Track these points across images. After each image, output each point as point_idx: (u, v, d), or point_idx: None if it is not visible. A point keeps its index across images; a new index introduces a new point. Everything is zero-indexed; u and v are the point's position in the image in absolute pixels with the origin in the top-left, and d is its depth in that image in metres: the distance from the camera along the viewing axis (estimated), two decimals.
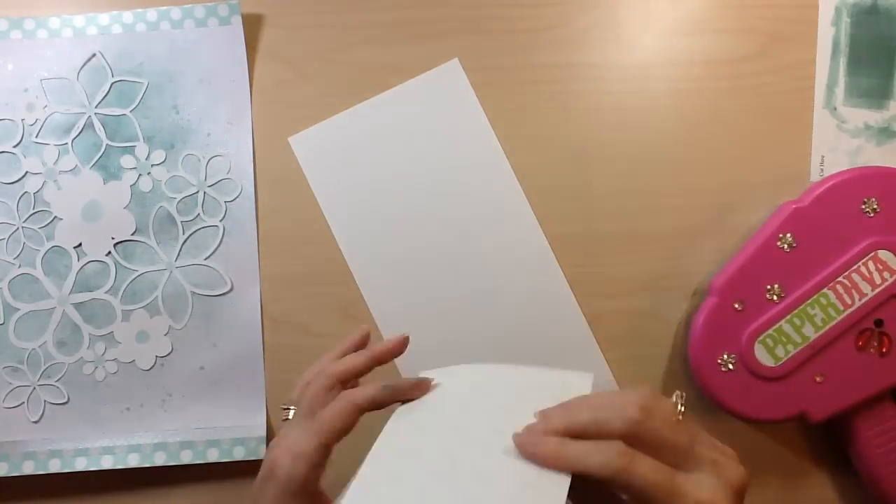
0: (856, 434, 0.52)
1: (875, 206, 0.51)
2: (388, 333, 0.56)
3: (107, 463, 0.54)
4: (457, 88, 0.56)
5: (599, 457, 0.35)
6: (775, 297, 0.51)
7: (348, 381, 0.43)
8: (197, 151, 0.56)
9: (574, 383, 0.42)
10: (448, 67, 0.56)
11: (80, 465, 0.54)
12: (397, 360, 0.56)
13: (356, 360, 0.44)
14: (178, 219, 0.56)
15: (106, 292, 0.56)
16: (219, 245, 0.56)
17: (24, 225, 0.56)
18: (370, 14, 0.58)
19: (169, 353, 0.55)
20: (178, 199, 0.56)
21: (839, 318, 0.51)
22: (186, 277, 0.56)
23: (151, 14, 0.56)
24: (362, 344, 0.47)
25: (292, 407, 0.43)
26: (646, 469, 0.35)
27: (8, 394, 0.55)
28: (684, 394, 0.39)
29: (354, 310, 0.56)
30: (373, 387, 0.41)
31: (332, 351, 0.46)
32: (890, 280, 0.51)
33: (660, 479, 0.35)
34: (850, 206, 0.52)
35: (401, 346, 0.46)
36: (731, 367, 0.51)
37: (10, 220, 0.56)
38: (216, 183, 0.56)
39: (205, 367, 0.55)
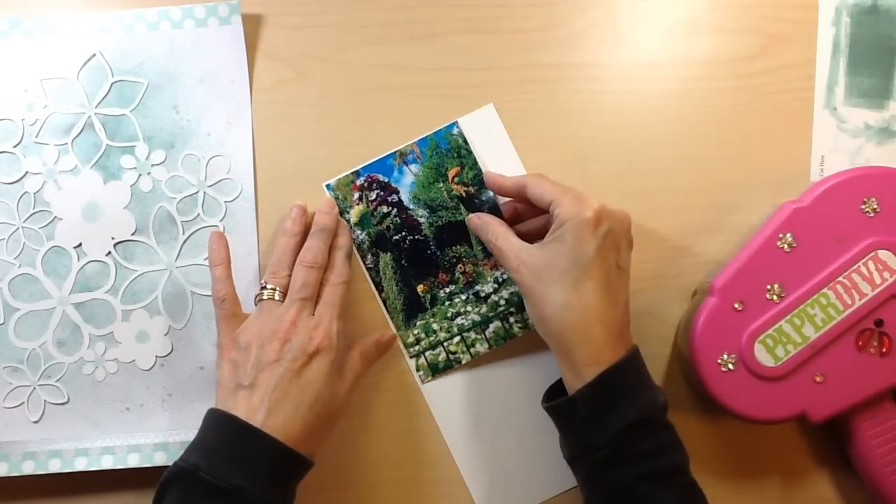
0: (856, 434, 0.52)
1: (875, 206, 0.51)
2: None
3: (107, 463, 0.54)
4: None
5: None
6: (775, 297, 0.51)
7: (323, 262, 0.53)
8: (197, 151, 0.56)
9: None
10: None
11: (80, 465, 0.54)
12: (427, 396, 0.56)
13: (318, 242, 0.53)
14: (178, 219, 0.56)
15: (106, 292, 0.56)
16: None
17: (24, 225, 0.56)
18: (370, 14, 0.58)
19: (169, 353, 0.55)
20: (178, 199, 0.56)
21: (839, 318, 0.51)
22: (186, 277, 0.56)
23: (151, 14, 0.56)
24: (301, 217, 0.54)
25: (268, 288, 0.51)
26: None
27: (8, 394, 0.55)
28: None
29: (354, 309, 0.56)
30: (344, 265, 0.53)
31: (286, 236, 0.53)
32: (890, 280, 0.51)
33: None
34: (850, 206, 0.52)
35: (329, 204, 0.55)
36: (731, 367, 0.51)
37: (10, 220, 0.56)
38: (216, 183, 0.56)
39: (205, 367, 0.55)
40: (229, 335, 0.51)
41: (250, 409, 0.47)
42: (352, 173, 0.56)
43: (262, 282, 0.52)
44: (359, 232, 0.56)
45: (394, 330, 0.56)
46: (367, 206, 0.56)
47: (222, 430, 0.47)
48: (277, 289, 0.51)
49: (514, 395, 0.56)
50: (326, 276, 0.52)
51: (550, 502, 0.56)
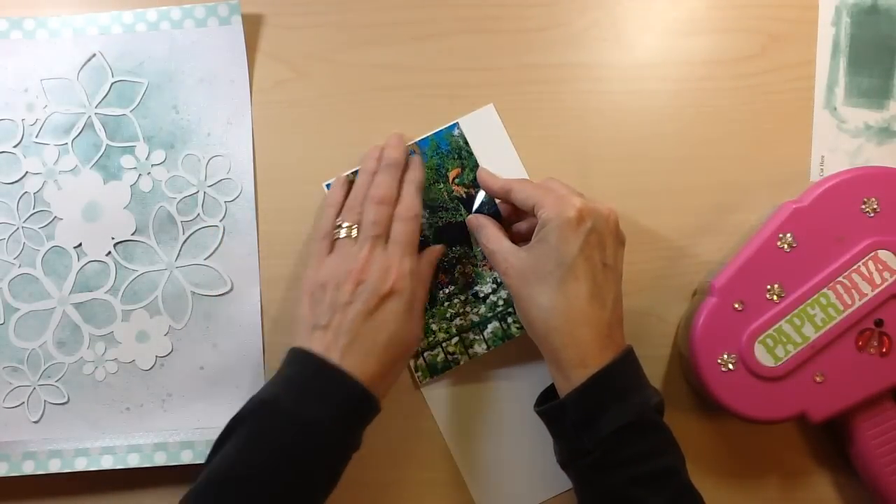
0: (856, 434, 0.52)
1: (875, 206, 0.51)
2: None
3: (107, 463, 0.54)
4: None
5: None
6: (775, 297, 0.51)
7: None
8: (197, 151, 0.56)
9: None
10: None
11: (80, 465, 0.54)
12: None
13: (386, 177, 0.52)
14: (178, 219, 0.56)
15: (106, 292, 0.56)
16: (219, 245, 0.56)
17: (24, 225, 0.56)
18: (370, 14, 0.58)
19: (169, 353, 0.55)
20: (178, 199, 0.56)
21: (839, 318, 0.51)
22: (186, 277, 0.56)
23: (151, 14, 0.56)
24: (379, 156, 0.54)
25: (343, 226, 0.51)
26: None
27: (8, 394, 0.55)
28: None
29: None
30: (414, 199, 0.52)
31: (364, 174, 0.54)
32: (890, 280, 0.51)
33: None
34: (850, 206, 0.52)
35: (398, 139, 0.54)
36: (731, 367, 0.51)
37: (10, 220, 0.56)
38: (216, 183, 0.56)
39: (205, 367, 0.55)
40: (313, 271, 0.51)
41: (325, 349, 0.48)
42: (352, 173, 0.56)
43: (339, 220, 0.52)
44: None
45: None
46: None
47: (302, 365, 0.48)
48: (354, 225, 0.51)
49: (513, 395, 0.56)
50: (396, 211, 0.52)
51: (550, 502, 0.56)
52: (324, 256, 0.52)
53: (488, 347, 0.56)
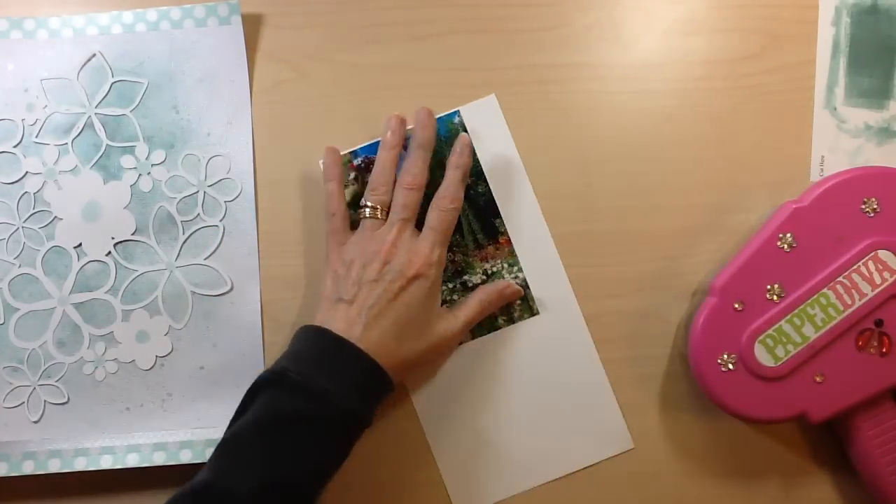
0: (856, 434, 0.52)
1: (875, 206, 0.51)
2: None
3: (106, 463, 0.54)
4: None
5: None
6: (775, 297, 0.51)
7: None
8: (197, 151, 0.56)
9: None
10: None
11: (80, 465, 0.54)
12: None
13: (417, 161, 0.53)
14: (178, 219, 0.56)
15: (106, 292, 0.56)
16: (219, 245, 0.56)
17: (24, 225, 0.56)
18: (370, 14, 0.58)
19: (169, 353, 0.55)
20: (178, 199, 0.56)
21: (839, 318, 0.51)
22: (186, 277, 0.56)
23: (151, 14, 0.56)
24: (401, 129, 0.54)
25: (368, 206, 0.52)
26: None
27: (8, 394, 0.55)
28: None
29: None
30: (459, 188, 0.53)
31: (384, 149, 0.53)
32: (890, 280, 0.51)
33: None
34: (850, 206, 0.52)
35: (429, 117, 0.54)
36: (731, 367, 0.51)
37: (10, 220, 0.56)
38: (216, 183, 0.56)
39: (205, 367, 0.55)
40: (336, 249, 0.53)
41: (348, 322, 0.49)
42: (349, 153, 0.56)
43: (364, 200, 0.53)
44: (351, 212, 0.56)
45: None
46: (362, 187, 0.56)
47: (313, 340, 0.49)
48: (379, 207, 0.52)
49: (495, 386, 0.56)
50: (438, 198, 0.53)
51: (527, 493, 0.55)
52: (342, 235, 0.53)
53: (473, 337, 0.56)
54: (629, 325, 0.56)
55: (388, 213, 0.53)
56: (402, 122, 0.54)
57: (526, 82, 0.57)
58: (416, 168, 0.53)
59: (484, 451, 0.55)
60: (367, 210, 0.52)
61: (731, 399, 0.51)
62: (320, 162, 0.56)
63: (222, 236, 0.56)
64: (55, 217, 0.56)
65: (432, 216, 0.52)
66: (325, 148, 0.55)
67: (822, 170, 0.57)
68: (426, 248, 0.51)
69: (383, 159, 0.54)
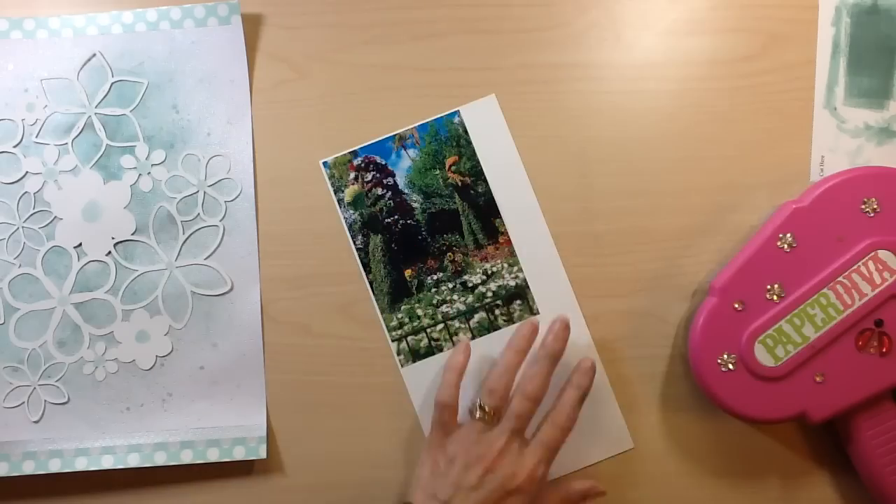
0: (856, 434, 0.52)
1: (875, 206, 0.51)
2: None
3: (107, 463, 0.54)
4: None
5: None
6: (775, 297, 0.51)
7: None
8: (197, 151, 0.56)
9: None
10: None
11: (80, 465, 0.54)
12: (408, 384, 0.56)
13: (542, 370, 0.52)
14: (178, 218, 0.56)
15: (106, 292, 0.56)
16: (219, 245, 0.56)
17: (25, 225, 0.56)
18: (370, 14, 0.58)
19: (169, 353, 0.55)
20: (178, 199, 0.56)
21: (839, 318, 0.51)
22: (186, 277, 0.56)
23: (151, 14, 0.56)
24: (533, 336, 0.54)
25: (484, 408, 0.51)
26: None
27: (8, 394, 0.55)
28: None
29: (354, 310, 0.56)
30: (576, 409, 0.52)
31: (512, 351, 0.53)
32: (890, 280, 0.51)
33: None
34: (850, 206, 0.52)
35: (564, 330, 0.53)
36: (731, 367, 0.51)
37: (10, 220, 0.56)
38: (216, 183, 0.56)
39: (205, 367, 0.55)
40: (439, 440, 0.52)
41: None
42: (349, 153, 0.56)
43: (479, 399, 0.52)
44: (351, 212, 0.56)
45: (386, 333, 0.56)
46: (362, 187, 0.56)
47: None
48: (493, 412, 0.51)
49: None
50: (553, 413, 0.52)
51: None
52: (450, 427, 0.52)
53: (473, 337, 0.56)
54: (629, 325, 0.56)
55: (499, 418, 0.51)
56: (535, 329, 0.54)
57: (526, 82, 0.57)
58: (540, 378, 0.52)
59: None
60: (480, 413, 0.51)
61: (731, 399, 0.51)
62: (321, 162, 0.56)
63: (222, 236, 0.56)
64: (55, 217, 0.56)
65: (546, 431, 0.51)
66: (461, 341, 0.55)
67: (822, 170, 0.57)
68: (531, 464, 0.49)
69: (508, 362, 0.53)
